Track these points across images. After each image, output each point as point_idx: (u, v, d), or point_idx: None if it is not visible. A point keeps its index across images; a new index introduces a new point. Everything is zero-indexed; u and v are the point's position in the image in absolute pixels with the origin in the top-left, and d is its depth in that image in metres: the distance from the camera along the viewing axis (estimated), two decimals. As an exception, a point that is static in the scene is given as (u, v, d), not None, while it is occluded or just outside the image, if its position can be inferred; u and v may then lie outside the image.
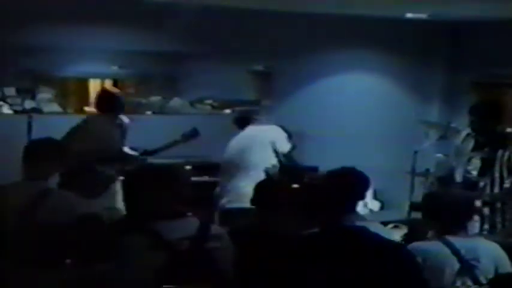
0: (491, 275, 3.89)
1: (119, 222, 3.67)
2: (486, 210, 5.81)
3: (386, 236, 4.10)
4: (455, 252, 3.90)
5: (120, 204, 5.28)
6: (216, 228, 3.56)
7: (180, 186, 3.54)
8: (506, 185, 5.80)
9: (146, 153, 6.40)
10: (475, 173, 5.97)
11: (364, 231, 3.21)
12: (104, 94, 6.57)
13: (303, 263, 3.18)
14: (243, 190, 5.84)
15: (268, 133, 6.49)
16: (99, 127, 6.19)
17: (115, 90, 6.84)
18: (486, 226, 5.81)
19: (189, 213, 3.48)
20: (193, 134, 6.50)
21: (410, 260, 3.33)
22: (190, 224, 3.43)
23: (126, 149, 6.37)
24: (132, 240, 3.38)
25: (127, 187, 3.65)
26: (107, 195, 6.05)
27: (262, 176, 5.63)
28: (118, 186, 5.95)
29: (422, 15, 8.30)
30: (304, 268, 3.15)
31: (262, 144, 6.39)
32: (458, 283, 3.90)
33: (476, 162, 5.99)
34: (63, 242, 3.83)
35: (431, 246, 3.98)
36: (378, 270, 3.11)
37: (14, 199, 4.01)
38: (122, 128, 6.40)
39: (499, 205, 5.85)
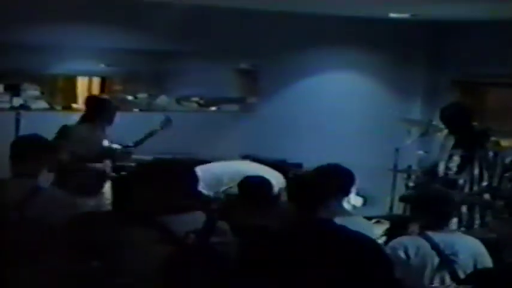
0: (470, 270, 3.96)
1: (124, 216, 3.68)
2: (464, 207, 5.92)
3: (369, 230, 4.22)
4: (435, 246, 3.99)
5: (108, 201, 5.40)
6: (221, 223, 3.59)
7: (188, 181, 3.58)
8: (484, 182, 5.92)
9: (129, 146, 6.55)
10: (455, 171, 6.08)
11: (338, 226, 3.25)
12: (94, 103, 6.67)
13: (277, 257, 3.22)
14: None
15: None
16: (88, 135, 6.34)
17: (105, 97, 6.96)
18: (464, 222, 5.92)
19: (197, 208, 3.53)
20: (168, 120, 6.77)
21: (381, 254, 3.38)
22: (197, 218, 3.47)
23: (110, 144, 6.49)
24: (140, 233, 3.42)
25: (135, 182, 3.67)
26: (101, 194, 6.18)
27: None
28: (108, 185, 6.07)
29: (405, 15, 8.37)
30: (278, 262, 3.19)
31: None
32: (437, 278, 3.99)
33: (456, 160, 6.10)
34: (55, 240, 3.79)
35: (412, 241, 4.06)
36: (350, 264, 3.14)
37: (3, 197, 3.93)
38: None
39: (477, 201, 5.97)
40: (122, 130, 6.59)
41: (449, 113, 6.18)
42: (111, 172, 6.38)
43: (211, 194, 6.14)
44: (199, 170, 6.12)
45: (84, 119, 6.53)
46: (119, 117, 6.62)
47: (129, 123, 6.90)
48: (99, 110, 6.51)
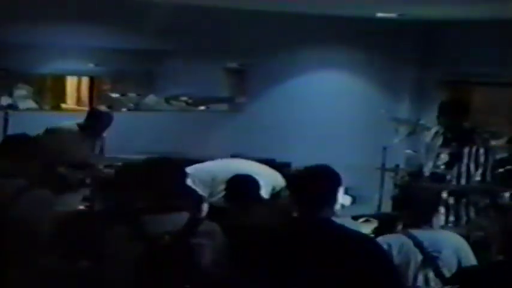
0: (454, 267, 3.99)
1: (103, 215, 3.70)
2: (451, 200, 5.97)
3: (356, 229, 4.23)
4: (418, 244, 3.99)
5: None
6: (207, 224, 3.54)
7: (174, 181, 3.54)
8: (474, 178, 5.97)
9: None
10: (443, 167, 6.14)
11: (333, 224, 3.28)
12: (96, 117, 6.61)
13: (271, 255, 3.23)
14: None
15: None
16: (73, 141, 6.33)
17: (107, 111, 6.87)
18: (452, 218, 5.97)
19: (183, 208, 3.48)
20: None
21: (380, 250, 3.39)
22: (181, 218, 3.42)
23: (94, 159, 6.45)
24: (113, 232, 3.44)
25: (119, 180, 3.67)
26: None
27: None
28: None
29: (393, 15, 8.41)
30: (273, 260, 3.20)
31: None
32: (421, 275, 4.01)
33: (444, 158, 6.14)
34: (43, 239, 3.80)
35: (395, 239, 4.07)
36: (348, 261, 3.16)
37: None
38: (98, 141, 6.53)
39: (464, 199, 6.02)
40: (110, 129, 6.58)
41: (450, 107, 6.24)
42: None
43: (206, 193, 6.13)
44: (194, 168, 6.17)
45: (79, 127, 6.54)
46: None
47: (117, 122, 6.87)
48: (97, 123, 6.48)
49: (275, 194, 5.98)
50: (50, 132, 6.35)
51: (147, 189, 3.51)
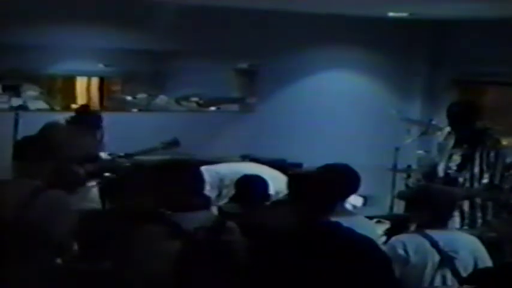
0: (470, 267, 3.98)
1: (126, 215, 3.73)
2: (466, 206, 5.92)
3: (371, 230, 4.21)
4: (434, 244, 3.98)
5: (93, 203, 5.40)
6: (229, 222, 3.67)
7: (196, 180, 3.70)
8: (485, 180, 5.92)
9: (121, 157, 6.49)
10: (455, 169, 6.09)
11: (340, 227, 3.26)
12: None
13: (279, 258, 3.22)
14: None
15: None
16: (72, 137, 6.31)
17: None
18: (466, 221, 5.92)
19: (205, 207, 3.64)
20: (175, 142, 6.57)
21: (382, 254, 3.39)
22: (205, 216, 3.56)
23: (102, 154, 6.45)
24: (147, 231, 3.49)
25: (142, 181, 3.74)
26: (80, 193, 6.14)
27: None
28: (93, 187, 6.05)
29: (404, 14, 8.38)
30: (280, 263, 3.20)
31: None
32: (439, 276, 3.98)
33: (456, 159, 6.10)
34: (61, 239, 3.85)
35: (410, 239, 4.06)
36: (352, 265, 3.15)
37: (5, 198, 3.89)
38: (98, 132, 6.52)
39: (479, 201, 5.97)
40: (121, 130, 6.57)
41: (458, 109, 6.18)
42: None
43: (213, 194, 6.11)
44: (203, 169, 6.16)
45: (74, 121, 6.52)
46: (117, 117, 6.61)
47: (127, 123, 6.87)
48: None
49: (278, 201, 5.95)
50: (50, 127, 6.33)
51: (167, 188, 3.60)
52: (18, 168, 4.05)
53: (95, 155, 6.37)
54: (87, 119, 6.55)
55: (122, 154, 6.47)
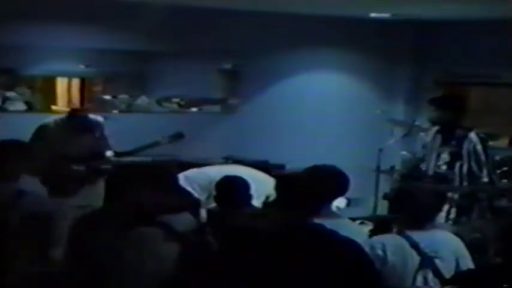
0: (452, 267, 3.98)
1: (118, 216, 3.70)
2: (455, 197, 5.95)
3: (358, 232, 4.19)
4: (414, 245, 3.97)
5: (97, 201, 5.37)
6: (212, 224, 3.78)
7: (174, 182, 3.81)
8: (474, 179, 5.96)
9: (121, 154, 6.44)
10: (445, 167, 6.12)
11: (324, 229, 3.24)
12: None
13: (263, 259, 3.20)
14: None
15: None
16: (66, 134, 6.26)
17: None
18: (452, 216, 5.95)
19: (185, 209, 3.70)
20: (179, 135, 6.65)
21: (365, 256, 3.39)
22: (187, 218, 3.64)
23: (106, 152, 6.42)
24: (146, 232, 3.46)
25: (130, 183, 3.71)
26: (81, 194, 6.10)
27: None
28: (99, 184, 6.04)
29: (386, 15, 8.38)
30: (263, 264, 3.18)
31: None
32: (420, 277, 3.97)
33: (445, 157, 6.13)
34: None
35: (390, 240, 4.05)
36: (335, 267, 3.14)
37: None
38: (96, 130, 6.46)
39: (463, 201, 5.99)
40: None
41: (446, 102, 6.24)
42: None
43: (203, 197, 6.08)
44: (193, 172, 6.15)
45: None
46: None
47: (108, 124, 6.80)
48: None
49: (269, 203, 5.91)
50: (44, 128, 6.28)
51: (153, 190, 3.55)
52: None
53: (94, 154, 6.32)
54: (80, 120, 6.46)
55: (121, 152, 6.45)
